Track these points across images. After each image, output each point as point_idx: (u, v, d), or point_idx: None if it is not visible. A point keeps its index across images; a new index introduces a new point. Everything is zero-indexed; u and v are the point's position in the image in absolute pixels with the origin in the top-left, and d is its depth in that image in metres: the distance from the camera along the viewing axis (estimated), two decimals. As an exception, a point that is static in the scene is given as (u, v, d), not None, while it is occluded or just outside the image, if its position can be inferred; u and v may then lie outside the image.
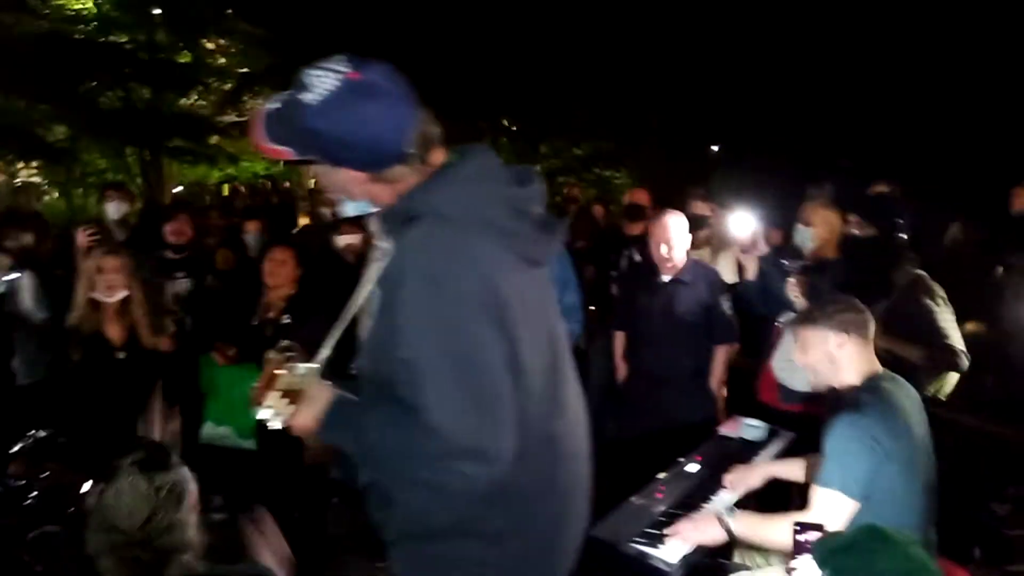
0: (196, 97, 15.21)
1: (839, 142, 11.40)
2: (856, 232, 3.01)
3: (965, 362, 2.88)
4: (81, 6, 11.95)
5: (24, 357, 3.94)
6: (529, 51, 12.28)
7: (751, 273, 3.55)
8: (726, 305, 3.75)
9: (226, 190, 16.36)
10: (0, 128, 10.88)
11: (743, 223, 3.52)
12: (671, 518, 2.52)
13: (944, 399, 3.14)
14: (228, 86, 14.78)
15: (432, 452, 1.40)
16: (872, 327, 2.40)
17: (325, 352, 1.62)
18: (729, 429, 3.31)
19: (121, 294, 3.50)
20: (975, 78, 10.69)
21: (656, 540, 2.41)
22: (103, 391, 3.44)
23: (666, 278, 3.75)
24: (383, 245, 1.55)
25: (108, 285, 3.46)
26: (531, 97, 13.20)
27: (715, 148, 15.43)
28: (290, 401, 1.53)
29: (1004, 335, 4.04)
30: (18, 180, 15.42)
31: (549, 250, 1.65)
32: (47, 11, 11.57)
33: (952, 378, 3.08)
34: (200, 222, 5.22)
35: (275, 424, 1.53)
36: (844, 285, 2.99)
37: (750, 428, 3.24)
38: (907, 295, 2.92)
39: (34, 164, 14.47)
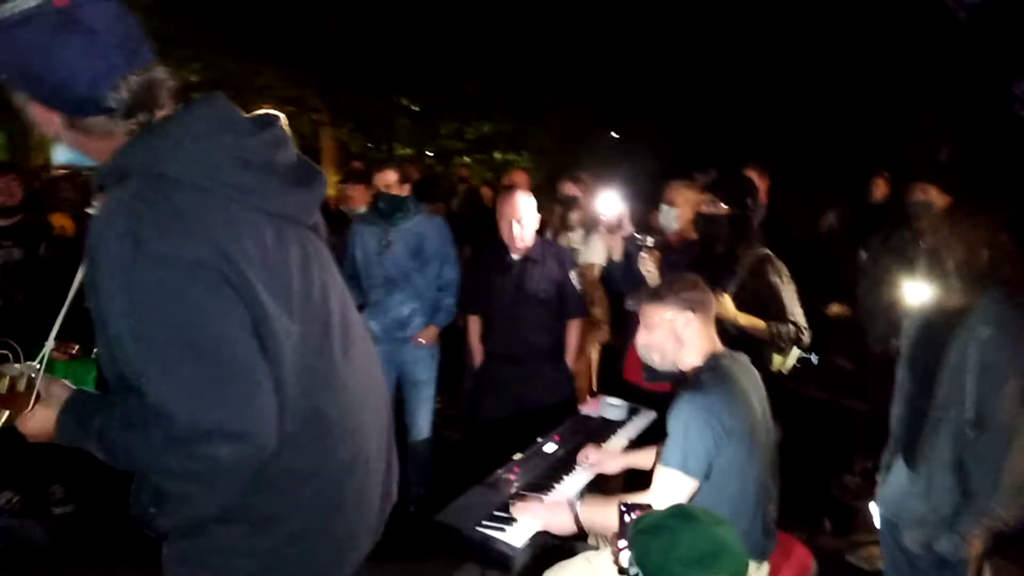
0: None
1: (731, 135, 11.76)
2: (708, 210, 3.03)
3: (807, 337, 2.95)
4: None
5: None
6: (428, 28, 12.05)
7: (616, 253, 3.55)
8: (576, 280, 3.73)
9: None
10: None
11: (609, 203, 3.52)
12: (521, 498, 2.47)
13: (787, 373, 3.23)
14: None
15: (172, 438, 1.23)
16: (714, 306, 2.41)
17: (47, 347, 1.44)
18: (590, 408, 3.30)
19: None
20: (845, 79, 11.31)
21: (504, 523, 2.35)
22: None
23: (516, 257, 3.70)
24: (95, 212, 1.34)
25: None
26: (429, 76, 12.98)
27: (614, 135, 15.66)
28: (3, 406, 1.35)
29: (862, 316, 4.22)
30: None
31: (304, 202, 1.47)
32: None
33: (795, 353, 3.16)
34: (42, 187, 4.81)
35: None
36: (695, 263, 3.01)
37: (611, 407, 3.23)
38: (754, 273, 2.96)
39: None
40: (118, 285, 1.24)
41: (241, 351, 1.27)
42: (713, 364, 2.31)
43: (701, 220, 3.10)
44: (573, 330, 3.78)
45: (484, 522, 2.35)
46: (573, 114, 13.76)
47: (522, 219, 3.60)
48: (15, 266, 3.74)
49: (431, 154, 16.19)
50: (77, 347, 3.55)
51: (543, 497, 2.52)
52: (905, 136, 9.51)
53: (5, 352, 1.41)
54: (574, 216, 4.46)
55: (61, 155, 1.38)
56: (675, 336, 2.36)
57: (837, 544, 3.57)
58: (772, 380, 2.87)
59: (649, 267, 3.20)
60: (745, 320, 2.90)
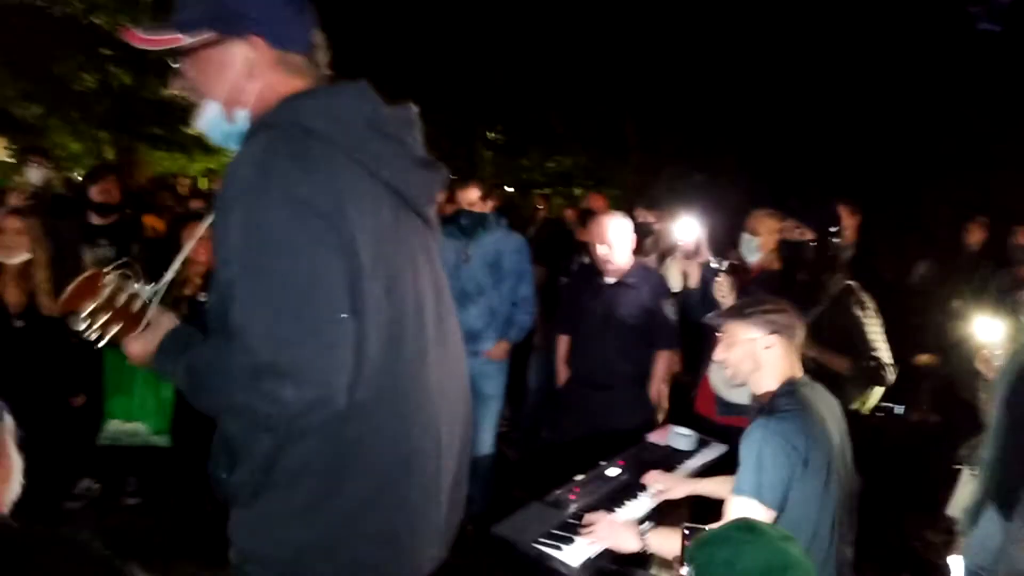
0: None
1: (820, 177, 11.46)
2: (793, 237, 2.93)
3: (891, 376, 2.80)
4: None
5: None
6: (513, 61, 12.26)
7: (693, 280, 3.48)
8: (670, 310, 3.65)
9: (204, 183, 16.21)
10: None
11: (687, 229, 3.46)
12: (581, 521, 2.40)
13: (867, 413, 3.06)
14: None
15: (246, 369, 1.26)
16: (801, 333, 2.31)
17: (166, 278, 1.50)
18: (657, 437, 3.20)
19: (22, 257, 3.35)
20: (942, 122, 10.89)
21: (561, 542, 2.29)
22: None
23: (610, 280, 3.65)
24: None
25: (6, 246, 3.31)
26: (513, 108, 13.18)
27: (698, 175, 15.47)
28: (115, 319, 1.42)
29: (952, 368, 4.00)
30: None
31: (425, 185, 1.54)
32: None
33: (877, 392, 3.00)
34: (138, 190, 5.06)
35: (91, 337, 1.42)
36: (779, 291, 2.91)
37: (679, 436, 3.13)
38: (838, 304, 2.84)
39: (6, 144, 14.27)
40: (240, 212, 1.29)
41: (333, 302, 1.29)
42: (791, 390, 2.21)
43: (784, 247, 3.01)
44: (661, 361, 3.71)
45: (541, 539, 2.30)
46: (656, 149, 13.69)
47: (611, 242, 3.57)
48: (107, 264, 3.92)
49: (510, 189, 16.38)
50: None
51: (606, 518, 2.44)
52: (1006, 179, 9.06)
53: (129, 272, 1.48)
54: (647, 242, 4.40)
55: (202, 124, 1.46)
56: (754, 358, 2.27)
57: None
58: (853, 419, 2.73)
59: (724, 292, 3.12)
60: (822, 353, 2.77)
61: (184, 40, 1.39)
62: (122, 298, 1.43)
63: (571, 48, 12.32)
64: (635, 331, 3.62)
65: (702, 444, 3.17)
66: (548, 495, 2.58)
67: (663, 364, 3.70)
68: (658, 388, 3.73)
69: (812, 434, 2.10)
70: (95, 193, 4.05)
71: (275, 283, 1.26)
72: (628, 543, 2.25)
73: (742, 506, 2.07)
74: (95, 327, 1.41)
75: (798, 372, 2.28)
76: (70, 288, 1.44)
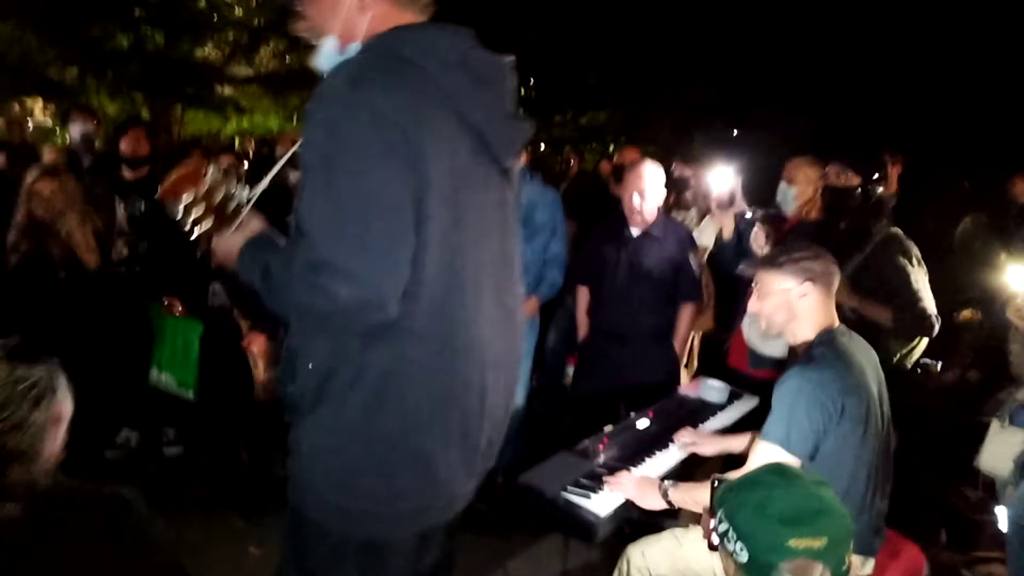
0: (211, 48, 15.13)
1: (860, 131, 11.13)
2: (837, 182, 2.82)
3: (935, 326, 2.70)
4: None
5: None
6: (544, 16, 11.99)
7: (727, 231, 3.39)
8: (695, 263, 3.57)
9: (238, 143, 16.29)
10: (8, 65, 10.84)
11: (721, 178, 3.36)
12: (610, 471, 2.39)
13: (909, 367, 2.97)
14: (243, 38, 14.64)
15: (306, 263, 1.34)
16: (837, 281, 2.23)
17: (262, 185, 1.54)
18: (688, 389, 3.16)
19: (60, 208, 3.38)
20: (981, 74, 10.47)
21: (589, 491, 2.28)
22: (40, 308, 3.33)
23: (635, 231, 3.58)
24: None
25: (45, 204, 3.35)
26: (545, 63, 12.92)
27: (734, 131, 15.13)
28: (208, 214, 1.46)
29: (997, 325, 3.87)
30: (31, 122, 15.45)
31: (509, 135, 1.58)
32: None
33: (922, 344, 2.90)
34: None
35: (186, 226, 1.47)
36: (817, 240, 2.82)
37: (710, 389, 3.09)
38: (882, 252, 2.74)
39: (46, 106, 14.47)
40: (321, 114, 1.37)
41: (395, 210, 1.35)
42: (828, 339, 2.14)
43: (829, 193, 2.89)
44: (685, 314, 3.63)
45: (569, 487, 2.29)
46: (690, 105, 13.39)
47: (645, 191, 3.49)
48: (140, 217, 3.96)
49: (542, 145, 16.16)
50: (182, 307, 3.75)
51: (632, 470, 2.42)
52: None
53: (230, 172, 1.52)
54: (685, 197, 4.30)
55: (320, 60, 1.52)
56: (788, 307, 2.20)
57: (954, 559, 3.27)
58: (892, 373, 2.66)
59: (761, 243, 3.03)
60: (863, 303, 2.69)
61: None
62: (219, 196, 1.47)
63: (604, 3, 12.03)
64: (660, 283, 3.55)
65: (734, 397, 3.12)
66: (577, 444, 2.57)
67: (687, 317, 3.63)
68: (683, 341, 3.67)
69: (849, 384, 2.05)
70: (124, 146, 4.06)
71: (342, 184, 1.33)
72: (652, 501, 2.23)
73: (767, 451, 2.03)
74: (190, 218, 1.46)
75: (835, 321, 2.22)
76: (173, 175, 1.50)
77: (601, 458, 2.51)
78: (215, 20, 13.74)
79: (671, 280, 3.55)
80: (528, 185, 3.84)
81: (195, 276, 3.56)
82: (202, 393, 3.78)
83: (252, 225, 1.51)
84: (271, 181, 1.57)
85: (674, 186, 4.42)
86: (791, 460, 1.99)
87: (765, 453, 2.03)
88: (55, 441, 1.46)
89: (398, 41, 1.45)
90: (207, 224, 1.47)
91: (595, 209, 4.93)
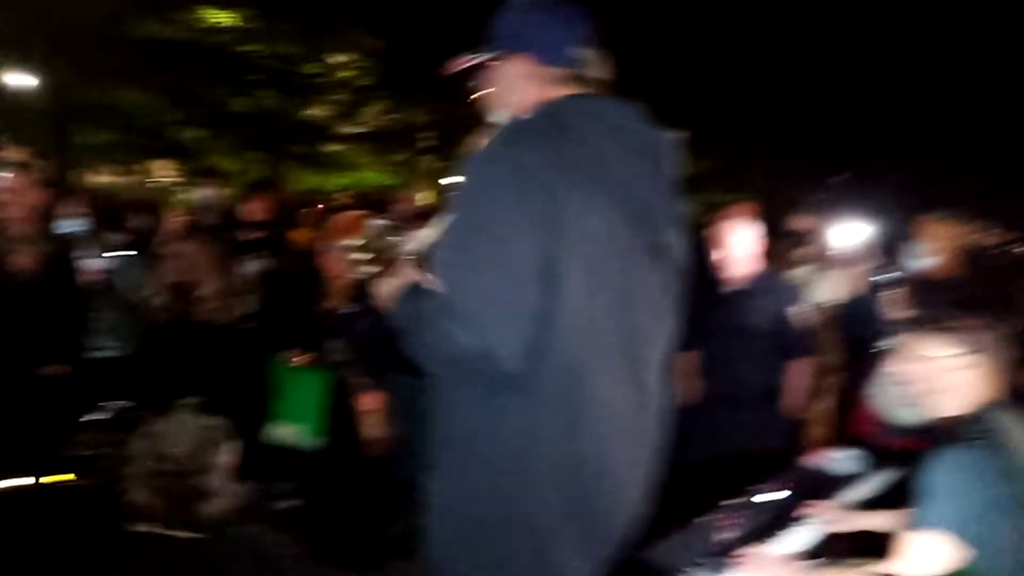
0: (319, 107, 15.97)
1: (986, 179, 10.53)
2: (982, 241, 2.62)
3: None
4: (217, 20, 12.76)
5: (115, 331, 4.08)
6: (634, 57, 11.99)
7: (858, 289, 3.20)
8: (801, 318, 3.39)
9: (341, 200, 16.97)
10: (138, 128, 11.76)
11: (852, 233, 3.20)
12: (733, 549, 2.24)
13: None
14: (347, 98, 15.39)
15: (435, 307, 1.41)
16: (1006, 353, 2.03)
17: (422, 234, 1.66)
18: (815, 458, 2.96)
19: (194, 267, 3.57)
20: None
21: (714, 570, 2.14)
22: (175, 365, 3.51)
23: (732, 289, 3.44)
24: None
25: (181, 252, 3.56)
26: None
27: (845, 175, 14.56)
28: (375, 260, 1.58)
29: None
30: (152, 179, 16.65)
31: (662, 213, 1.57)
32: (187, 22, 12.39)
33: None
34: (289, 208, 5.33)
35: (351, 267, 1.66)
36: (959, 305, 2.61)
37: (840, 461, 2.88)
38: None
39: (168, 164, 15.55)
40: (472, 167, 1.45)
41: (521, 265, 1.37)
42: (988, 416, 1.95)
43: (972, 253, 2.69)
44: (795, 372, 3.44)
45: (689, 568, 2.16)
46: (795, 150, 13.02)
47: (733, 249, 3.38)
48: (259, 276, 4.14)
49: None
50: (309, 355, 3.84)
51: (761, 549, 2.27)
52: None
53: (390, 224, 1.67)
54: (803, 251, 4.12)
55: (497, 118, 1.65)
56: (938, 377, 2.01)
57: None
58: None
59: (897, 303, 2.84)
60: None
61: (481, 58, 1.64)
62: (379, 243, 1.59)
63: (692, 40, 11.94)
64: (765, 342, 3.38)
65: (869, 469, 2.90)
66: (692, 521, 2.43)
67: (798, 374, 3.43)
68: (796, 401, 3.46)
69: (1011, 468, 1.85)
70: (248, 208, 4.29)
71: (474, 232, 1.40)
72: None
73: (926, 542, 1.84)
74: (353, 260, 1.61)
75: (994, 395, 2.02)
76: (342, 219, 1.60)
77: (721, 536, 2.36)
78: (324, 82, 14.54)
79: (777, 337, 3.38)
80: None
81: (312, 333, 3.66)
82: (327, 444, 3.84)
83: (408, 274, 1.57)
84: (429, 234, 1.66)
85: (790, 239, 4.25)
86: (954, 549, 1.81)
87: (923, 544, 1.84)
88: (229, 479, 1.74)
89: (562, 108, 1.52)
90: (370, 269, 1.58)
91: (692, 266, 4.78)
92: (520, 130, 1.49)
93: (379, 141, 15.59)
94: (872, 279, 3.13)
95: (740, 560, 2.14)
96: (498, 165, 1.41)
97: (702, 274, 3.80)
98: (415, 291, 1.54)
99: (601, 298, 1.45)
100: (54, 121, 10.45)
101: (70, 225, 4.09)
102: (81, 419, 3.45)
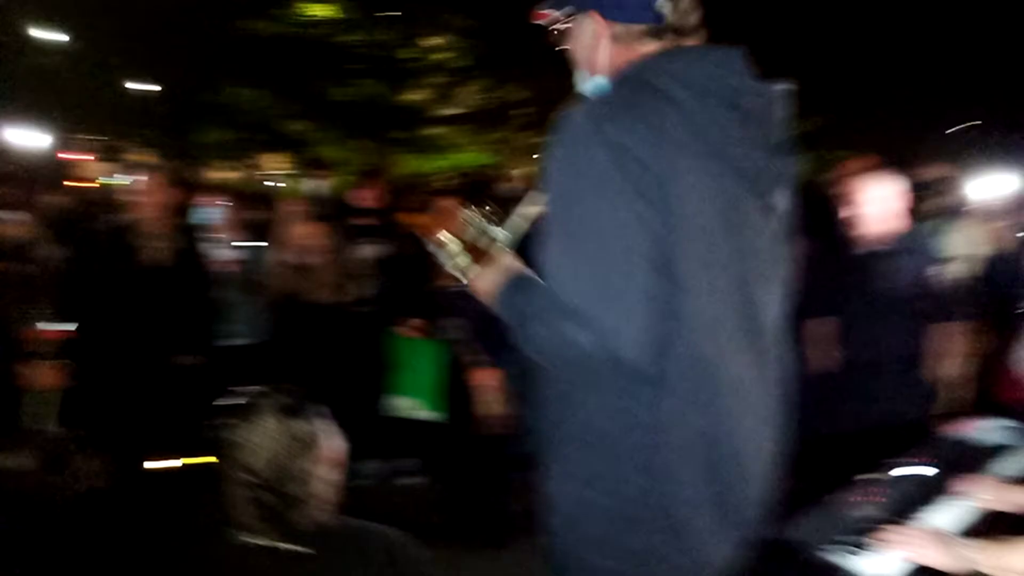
0: (418, 92, 16.23)
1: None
2: None
3: None
4: (314, 13, 13.14)
5: (244, 318, 4.28)
6: (740, 21, 11.47)
7: (1001, 246, 2.96)
8: (943, 278, 3.14)
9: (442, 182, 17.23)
10: (248, 122, 12.33)
11: (995, 186, 2.94)
12: (876, 526, 2.12)
13: None
14: (443, 80, 15.56)
15: (549, 307, 1.34)
16: None
17: (514, 222, 1.56)
18: (961, 428, 2.77)
19: (309, 253, 3.71)
20: None
21: (856, 548, 2.03)
22: (297, 347, 3.66)
23: (869, 249, 3.23)
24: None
25: (298, 240, 3.70)
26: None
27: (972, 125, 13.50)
28: (470, 253, 1.51)
29: None
30: (268, 170, 17.44)
31: (771, 175, 1.45)
32: (287, 17, 12.83)
33: None
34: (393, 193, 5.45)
35: (449, 270, 1.53)
36: None
37: (992, 429, 2.68)
38: None
39: (278, 157, 16.22)
40: (560, 150, 1.34)
41: (635, 256, 1.29)
42: None
43: None
44: (937, 336, 3.22)
45: (832, 545, 2.06)
46: (915, 101, 12.15)
47: (869, 206, 3.16)
48: (372, 261, 4.25)
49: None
50: (418, 324, 3.93)
51: (910, 525, 2.14)
52: None
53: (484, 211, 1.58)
54: (934, 202, 3.83)
55: (589, 88, 1.51)
56: None
57: None
58: None
59: None
60: None
61: (553, 15, 1.52)
62: (474, 234, 1.52)
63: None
64: (902, 305, 3.16)
65: (1016, 440, 2.69)
66: (831, 495, 2.32)
67: (941, 338, 3.20)
68: (940, 367, 3.23)
69: None
70: (358, 195, 4.42)
71: (579, 226, 1.30)
72: (939, 560, 1.93)
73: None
74: (447, 257, 1.52)
75: None
76: (433, 214, 1.56)
77: (864, 511, 2.24)
78: (420, 66, 14.75)
79: (915, 299, 3.16)
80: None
81: (428, 311, 3.73)
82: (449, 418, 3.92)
83: (507, 263, 1.51)
84: (524, 218, 1.58)
85: (922, 189, 3.96)
86: None
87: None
88: (329, 482, 1.62)
89: (651, 70, 1.38)
90: (463, 262, 1.51)
91: (820, 226, 4.56)
92: (609, 102, 1.36)
93: (477, 121, 15.71)
94: (1018, 235, 2.87)
95: (884, 538, 2.03)
96: (592, 148, 1.29)
97: (831, 235, 3.61)
98: (515, 284, 1.47)
99: (719, 275, 1.37)
100: (173, 122, 11.07)
101: (199, 219, 4.32)
102: (216, 403, 3.64)
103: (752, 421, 1.47)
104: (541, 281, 1.47)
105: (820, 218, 4.71)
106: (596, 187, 1.29)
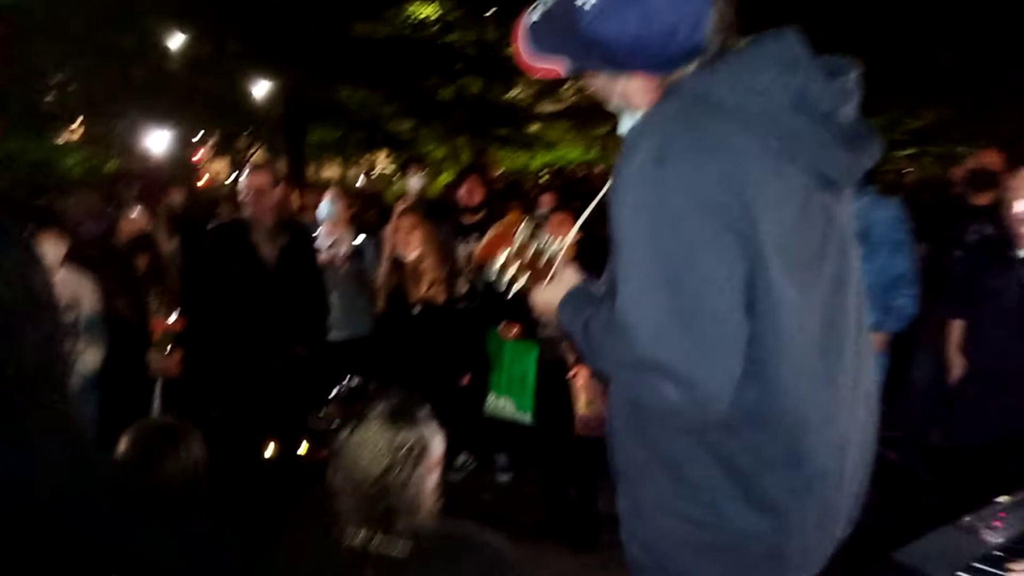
0: (519, 89, 16.31)
1: None
2: None
3: None
4: (424, 14, 13.41)
5: (352, 313, 4.40)
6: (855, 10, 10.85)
7: None
8: None
9: (545, 178, 17.29)
10: (359, 122, 12.73)
11: None
12: (1011, 555, 1.94)
13: None
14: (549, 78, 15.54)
15: (628, 358, 1.24)
16: None
17: (570, 236, 1.50)
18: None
19: (416, 251, 3.78)
20: None
21: (986, 579, 1.86)
22: (400, 343, 3.74)
23: (1022, 252, 2.97)
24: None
25: (404, 242, 3.77)
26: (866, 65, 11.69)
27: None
28: (526, 268, 1.47)
29: None
30: (375, 170, 18.01)
31: (849, 166, 1.32)
32: (396, 19, 13.16)
33: None
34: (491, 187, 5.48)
35: (502, 285, 1.49)
36: None
37: None
38: None
39: (385, 155, 16.70)
40: (632, 194, 1.23)
41: (721, 300, 1.19)
42: None
43: None
44: None
45: (958, 572, 1.90)
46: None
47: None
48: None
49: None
50: (519, 328, 3.92)
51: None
52: None
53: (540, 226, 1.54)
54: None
55: (629, 123, 1.38)
56: None
57: None
58: None
59: None
60: None
61: (564, 70, 1.36)
62: (530, 251, 1.48)
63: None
64: None
65: None
66: (961, 518, 2.14)
67: None
68: None
69: None
70: (462, 192, 4.46)
71: (657, 273, 1.20)
72: None
73: None
74: (505, 277, 1.49)
75: None
76: (487, 238, 1.53)
77: (998, 538, 2.05)
78: (526, 63, 14.81)
79: None
80: (861, 198, 3.39)
81: (526, 312, 3.72)
82: (535, 420, 3.92)
83: (567, 277, 1.46)
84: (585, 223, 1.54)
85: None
86: None
87: None
88: (433, 488, 1.62)
89: (706, 82, 1.25)
90: (522, 280, 1.47)
91: (947, 223, 4.25)
92: (671, 136, 1.21)
93: (578, 117, 15.63)
94: None
95: (1020, 571, 1.85)
96: (666, 194, 1.18)
97: (964, 233, 3.37)
98: (580, 300, 1.41)
99: (805, 293, 1.27)
100: (288, 122, 11.55)
101: (309, 215, 4.47)
102: (325, 395, 3.76)
103: (851, 442, 1.39)
104: (601, 298, 1.41)
105: (949, 216, 4.41)
106: (677, 237, 1.18)
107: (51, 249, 2.92)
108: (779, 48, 1.27)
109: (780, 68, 1.25)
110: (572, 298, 1.43)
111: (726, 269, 1.19)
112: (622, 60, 1.29)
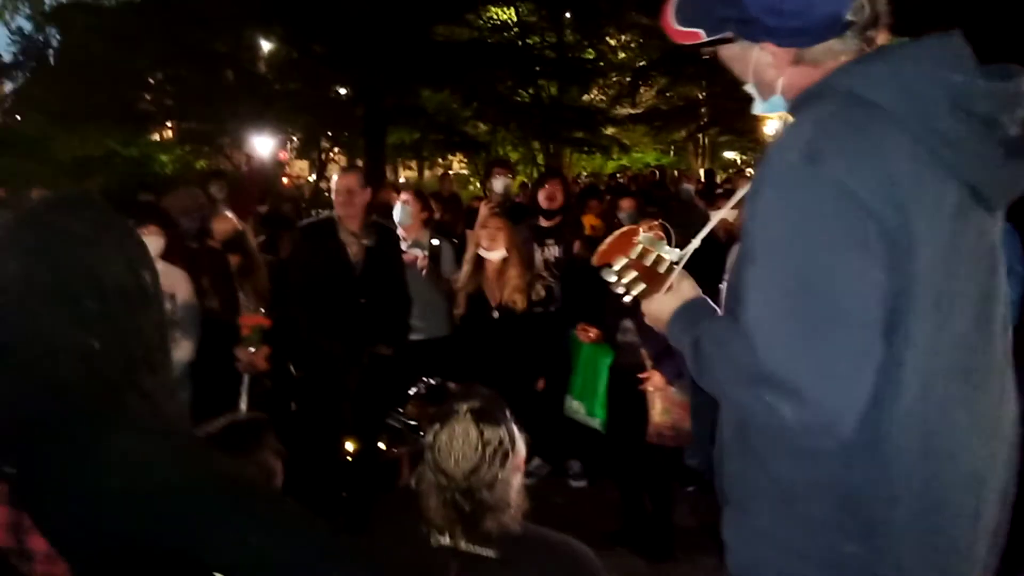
0: (595, 92, 16.26)
1: None
2: None
3: None
4: (505, 17, 13.51)
5: (433, 313, 4.44)
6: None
7: None
8: None
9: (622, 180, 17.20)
10: (437, 124, 12.90)
11: None
12: None
13: None
14: (625, 79, 15.45)
15: (745, 368, 1.16)
16: None
17: (692, 246, 1.44)
18: None
19: (500, 253, 3.77)
20: None
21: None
22: (479, 346, 3.75)
23: None
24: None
25: (489, 238, 3.77)
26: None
27: None
28: (640, 277, 1.42)
29: None
30: (452, 171, 18.26)
31: (1010, 182, 1.23)
32: (478, 22, 13.29)
33: None
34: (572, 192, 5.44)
35: (617, 291, 1.45)
36: None
37: None
38: None
39: (462, 157, 16.88)
40: (772, 196, 1.17)
41: (857, 315, 1.11)
42: None
43: None
44: None
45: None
46: None
47: None
48: (554, 262, 4.27)
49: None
50: (596, 331, 3.89)
51: None
52: None
53: (662, 233, 1.50)
54: None
55: (761, 107, 1.37)
56: None
57: None
58: None
59: None
60: None
61: (703, 37, 1.32)
62: (650, 257, 1.44)
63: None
64: None
65: None
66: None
67: None
68: None
69: None
70: (542, 196, 4.45)
71: (796, 283, 1.13)
72: None
73: None
74: (622, 282, 1.44)
75: None
76: (607, 241, 1.50)
77: None
78: (601, 66, 14.74)
79: None
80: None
81: (607, 312, 3.69)
82: (608, 426, 3.88)
83: (683, 288, 1.40)
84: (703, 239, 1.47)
85: None
86: None
87: None
88: (519, 488, 1.62)
89: (855, 80, 1.18)
90: (638, 288, 1.43)
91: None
92: (824, 134, 1.14)
93: (654, 120, 15.46)
94: None
95: None
96: (815, 195, 1.11)
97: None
98: (694, 313, 1.36)
99: (953, 323, 1.18)
100: (368, 123, 11.77)
101: (392, 216, 4.52)
102: (404, 395, 3.80)
103: (991, 479, 1.28)
104: (719, 312, 1.37)
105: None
106: (819, 243, 1.12)
107: (152, 243, 3.05)
108: (940, 45, 1.21)
109: (940, 68, 1.17)
110: (686, 310, 1.37)
111: (869, 284, 1.11)
112: (755, 28, 1.24)
